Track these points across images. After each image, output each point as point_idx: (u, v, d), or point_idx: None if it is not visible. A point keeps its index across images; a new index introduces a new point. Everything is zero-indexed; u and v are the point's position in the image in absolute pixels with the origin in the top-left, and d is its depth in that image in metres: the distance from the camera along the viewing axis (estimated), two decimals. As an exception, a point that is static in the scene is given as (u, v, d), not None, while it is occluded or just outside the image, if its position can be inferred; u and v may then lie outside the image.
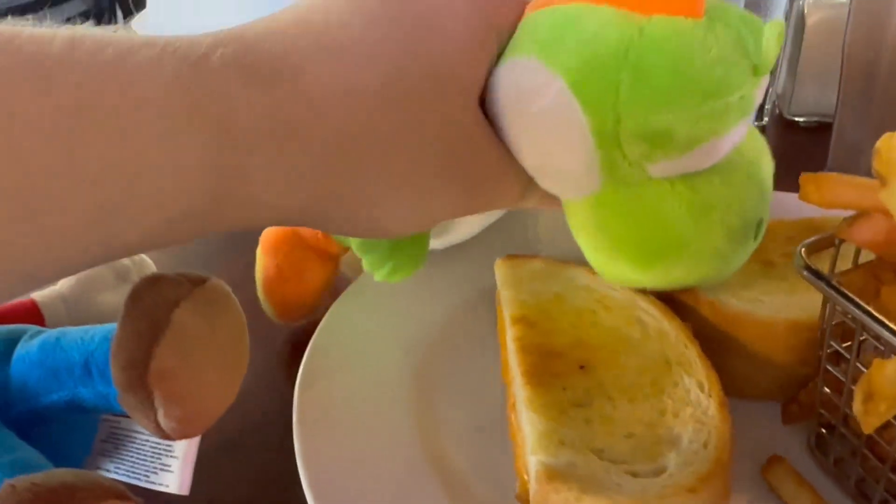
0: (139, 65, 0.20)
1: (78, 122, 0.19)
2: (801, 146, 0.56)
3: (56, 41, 0.20)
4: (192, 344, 0.28)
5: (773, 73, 0.55)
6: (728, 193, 0.27)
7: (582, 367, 0.31)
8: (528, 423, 0.29)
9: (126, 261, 0.42)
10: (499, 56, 0.27)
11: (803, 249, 0.27)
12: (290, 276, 0.40)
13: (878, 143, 0.22)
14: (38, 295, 0.40)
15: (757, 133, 0.31)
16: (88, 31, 0.21)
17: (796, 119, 0.57)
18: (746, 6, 0.42)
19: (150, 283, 0.29)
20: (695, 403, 0.30)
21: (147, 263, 0.42)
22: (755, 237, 0.29)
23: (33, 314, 0.39)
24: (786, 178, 0.53)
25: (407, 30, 0.25)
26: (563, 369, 0.31)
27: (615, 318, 0.34)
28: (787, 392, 0.32)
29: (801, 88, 0.55)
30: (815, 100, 0.56)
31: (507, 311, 0.34)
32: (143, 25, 0.68)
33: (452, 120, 0.25)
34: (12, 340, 0.33)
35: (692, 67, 0.24)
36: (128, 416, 0.32)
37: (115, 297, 0.41)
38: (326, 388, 0.34)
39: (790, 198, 0.36)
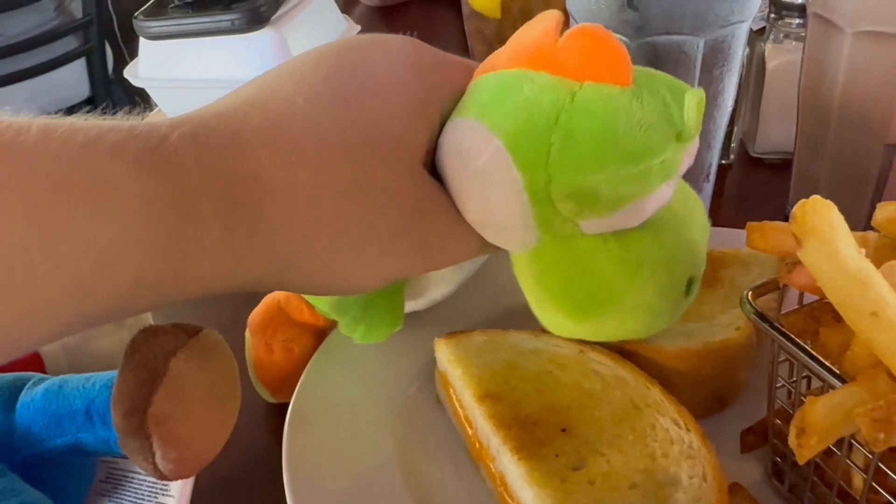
0: (105, 150, 0.22)
1: (52, 204, 0.21)
2: (765, 181, 0.59)
3: (32, 129, 0.22)
4: (188, 391, 0.30)
5: (735, 113, 0.57)
6: (658, 251, 0.29)
7: (564, 430, 0.32)
8: (536, 501, 0.29)
9: (122, 307, 0.44)
10: (448, 118, 0.29)
11: (750, 293, 0.30)
12: (279, 354, 0.41)
13: (795, 209, 0.24)
14: (38, 342, 0.42)
15: (691, 193, 0.32)
16: (61, 119, 0.23)
17: (761, 156, 0.60)
18: (708, 50, 0.45)
19: (148, 335, 0.31)
20: (678, 440, 0.31)
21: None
22: (687, 293, 0.31)
23: (34, 360, 0.41)
24: (753, 212, 0.56)
25: (348, 101, 0.27)
26: (546, 436, 0.32)
27: (572, 374, 0.35)
28: (706, 408, 0.35)
29: (764, 127, 0.58)
30: (777, 138, 0.58)
31: (465, 391, 0.34)
32: (134, 74, 0.70)
33: (397, 182, 0.27)
34: (17, 388, 0.35)
35: (616, 133, 0.25)
36: (126, 459, 0.34)
37: (113, 343, 0.43)
38: (313, 429, 0.36)
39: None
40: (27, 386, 0.35)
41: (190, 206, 0.23)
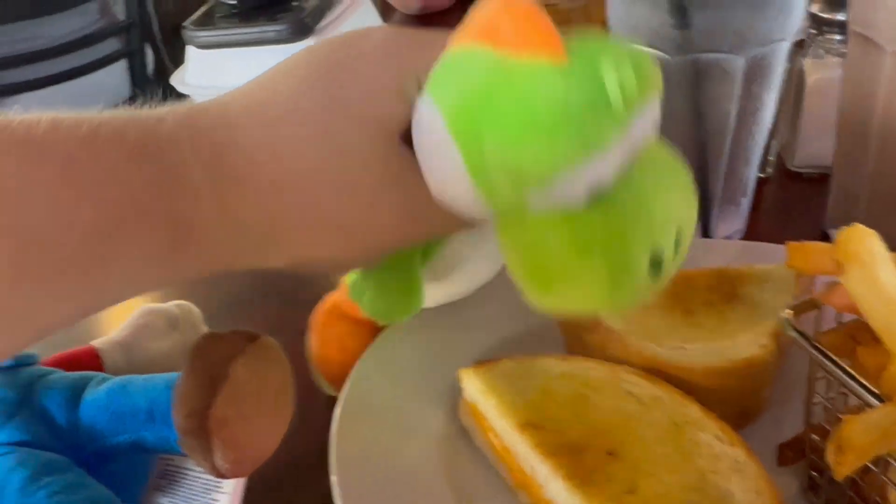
0: (106, 138, 0.25)
1: (62, 189, 0.24)
2: (803, 195, 0.59)
3: (42, 123, 0.24)
4: (247, 395, 0.32)
5: (773, 126, 0.58)
6: (608, 231, 0.28)
7: (611, 454, 0.32)
8: None
9: (176, 310, 0.46)
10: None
11: (790, 312, 0.31)
12: (334, 349, 0.42)
13: (837, 236, 0.25)
14: (97, 342, 0.44)
15: (668, 164, 0.32)
16: (68, 114, 0.26)
17: (799, 170, 0.60)
18: (749, 67, 0.45)
19: (210, 341, 0.33)
20: (723, 456, 0.32)
21: (195, 313, 0.46)
22: (657, 272, 0.29)
23: (93, 359, 0.43)
24: (790, 226, 0.56)
25: (327, 85, 0.28)
26: (595, 462, 0.32)
27: (607, 397, 0.35)
28: (732, 424, 0.35)
29: (802, 141, 0.59)
30: (815, 152, 0.59)
31: (502, 420, 0.34)
32: (181, 81, 0.72)
33: (375, 152, 0.28)
34: (81, 386, 0.37)
35: (534, 111, 0.26)
36: (182, 456, 0.36)
37: (167, 344, 0.44)
38: (360, 429, 0.37)
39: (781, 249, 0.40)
40: (90, 384, 0.37)
41: (184, 179, 0.26)
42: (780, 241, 0.53)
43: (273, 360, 0.33)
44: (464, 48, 0.28)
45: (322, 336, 0.42)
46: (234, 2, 0.68)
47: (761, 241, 0.51)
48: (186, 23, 0.66)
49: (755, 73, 0.45)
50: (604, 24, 0.62)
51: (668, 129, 0.48)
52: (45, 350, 0.41)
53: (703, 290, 0.40)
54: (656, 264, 0.29)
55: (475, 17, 0.28)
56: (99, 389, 0.36)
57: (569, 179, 0.27)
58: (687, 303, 0.40)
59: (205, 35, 0.65)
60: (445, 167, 0.28)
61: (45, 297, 0.24)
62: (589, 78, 0.25)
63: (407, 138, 0.29)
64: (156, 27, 2.12)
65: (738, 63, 0.44)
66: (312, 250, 0.30)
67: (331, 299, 0.43)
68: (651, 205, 0.29)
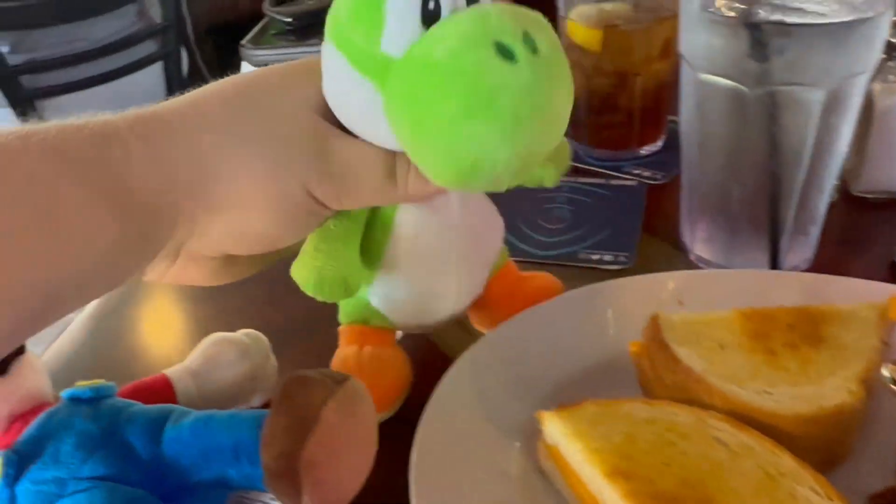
0: (69, 133, 0.30)
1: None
2: (869, 222, 0.58)
3: (11, 136, 0.29)
4: (337, 438, 0.32)
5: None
6: (449, 32, 0.31)
7: None
8: None
9: (246, 339, 0.45)
10: None
11: (890, 368, 0.30)
12: (369, 370, 0.42)
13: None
14: (170, 371, 0.44)
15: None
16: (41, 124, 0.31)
17: (864, 195, 0.59)
18: (827, 100, 0.44)
19: (300, 382, 0.33)
20: None
21: (264, 342, 0.46)
22: (509, 58, 0.30)
23: (166, 388, 0.43)
24: (857, 255, 0.56)
25: (248, 84, 0.35)
26: None
27: (696, 444, 0.34)
28: (822, 468, 0.34)
29: (869, 166, 0.58)
30: (883, 177, 0.58)
31: (588, 467, 0.34)
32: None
33: (293, 114, 0.33)
34: (162, 420, 0.37)
35: None
36: (260, 491, 0.36)
37: (237, 372, 0.44)
38: (439, 470, 0.37)
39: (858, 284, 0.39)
40: (171, 418, 0.37)
41: (114, 137, 0.31)
42: (848, 269, 0.53)
43: (360, 403, 0.33)
44: None
45: (358, 361, 0.42)
46: (289, 19, 0.68)
47: (830, 269, 0.51)
48: (244, 41, 0.66)
49: (834, 106, 0.44)
50: (667, 47, 0.61)
51: (741, 159, 0.47)
52: (122, 380, 0.42)
53: (785, 329, 0.40)
54: (504, 52, 0.30)
55: None
56: (181, 424, 0.36)
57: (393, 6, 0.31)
58: (769, 343, 0.39)
59: (262, 54, 0.65)
60: (329, 66, 0.34)
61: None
62: None
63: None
64: (189, 29, 2.14)
65: (817, 96, 0.43)
66: (242, 214, 0.33)
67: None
68: (485, 10, 0.31)
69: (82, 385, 0.38)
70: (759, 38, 0.41)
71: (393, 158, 0.35)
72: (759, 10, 0.42)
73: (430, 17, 0.31)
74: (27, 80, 1.71)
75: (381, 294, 0.43)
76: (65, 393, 0.38)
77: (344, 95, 0.34)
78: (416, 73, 0.31)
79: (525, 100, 0.30)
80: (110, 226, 0.30)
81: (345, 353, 0.43)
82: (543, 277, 0.48)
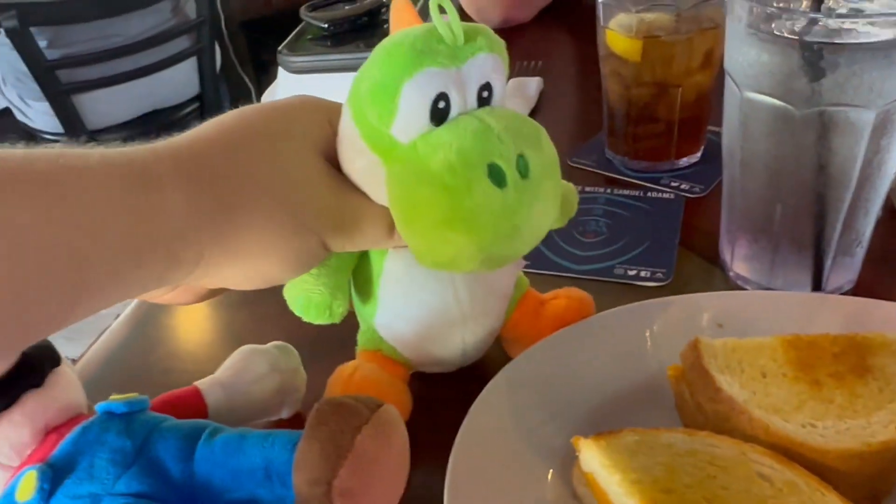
0: (114, 168, 0.30)
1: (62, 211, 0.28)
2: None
3: (45, 157, 0.29)
4: (370, 465, 0.32)
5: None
6: (451, 139, 0.33)
7: None
8: None
9: (276, 352, 0.45)
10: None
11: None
12: (357, 387, 0.42)
13: None
14: (201, 383, 0.44)
15: (520, 118, 0.36)
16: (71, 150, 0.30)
17: (911, 213, 0.57)
18: (877, 120, 0.42)
19: (334, 408, 0.32)
20: None
21: (294, 354, 0.46)
22: (499, 183, 0.33)
23: (198, 399, 0.43)
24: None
25: (268, 122, 0.36)
26: None
27: (737, 479, 0.33)
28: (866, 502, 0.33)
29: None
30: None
31: (627, 499, 0.33)
32: (273, 96, 0.73)
33: (309, 165, 0.35)
34: (194, 437, 0.37)
35: (385, 44, 0.34)
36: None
37: (268, 385, 0.44)
38: (472, 492, 0.36)
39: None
40: (203, 436, 0.37)
41: (154, 182, 0.31)
42: (893, 291, 0.51)
43: (394, 430, 0.33)
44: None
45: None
46: (325, 25, 0.68)
47: (874, 291, 0.49)
48: (281, 48, 0.66)
49: (884, 127, 0.43)
50: (709, 58, 0.60)
51: (785, 178, 0.46)
52: (155, 388, 0.42)
53: (830, 359, 0.38)
54: (496, 176, 0.33)
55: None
56: (213, 442, 0.36)
57: (411, 90, 0.33)
58: (814, 373, 0.38)
59: (300, 61, 0.65)
60: (344, 132, 0.36)
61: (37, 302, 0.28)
62: (429, 27, 0.34)
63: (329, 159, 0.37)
64: (223, 25, 2.15)
65: (868, 117, 0.42)
66: (264, 257, 0.35)
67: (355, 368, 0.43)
68: (492, 126, 0.34)
69: (116, 399, 0.38)
70: (811, 57, 0.40)
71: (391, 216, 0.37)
72: (811, 29, 0.40)
73: (438, 114, 0.34)
74: (64, 75, 1.73)
75: (385, 325, 0.43)
76: (99, 406, 0.38)
77: (354, 158, 0.36)
78: (413, 172, 0.34)
79: (505, 221, 0.34)
80: (133, 272, 0.31)
81: (342, 367, 0.44)
82: (567, 296, 0.47)
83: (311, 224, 0.35)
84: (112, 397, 0.39)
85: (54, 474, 0.35)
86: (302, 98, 0.38)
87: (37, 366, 0.38)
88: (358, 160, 0.36)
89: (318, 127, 0.36)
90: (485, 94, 0.35)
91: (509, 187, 0.33)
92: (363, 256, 0.42)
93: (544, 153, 0.36)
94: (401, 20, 0.37)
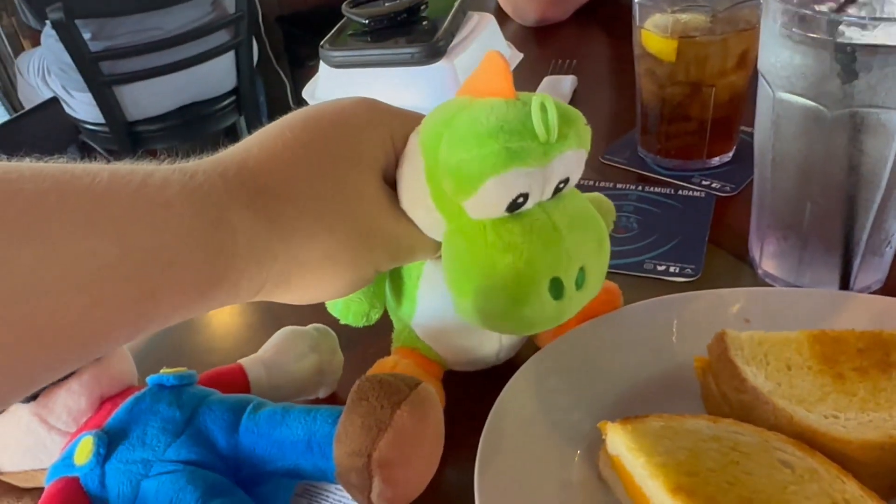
0: (156, 186, 0.29)
1: (127, 226, 0.28)
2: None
3: (103, 175, 0.28)
4: (408, 439, 0.33)
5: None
6: (522, 241, 0.34)
7: None
8: None
9: (315, 333, 0.47)
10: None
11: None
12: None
13: None
14: (244, 360, 0.46)
15: (588, 214, 0.37)
16: (121, 165, 0.29)
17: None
18: None
19: (374, 385, 0.34)
20: None
21: (332, 336, 0.48)
22: (558, 296, 0.35)
23: (241, 376, 0.45)
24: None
25: (327, 138, 0.35)
26: None
27: (759, 465, 0.34)
28: (886, 494, 0.34)
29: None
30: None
31: (651, 481, 0.34)
32: (311, 94, 0.74)
33: (366, 186, 0.35)
34: (238, 410, 0.39)
35: (479, 123, 0.33)
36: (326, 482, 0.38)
37: (305, 364, 0.46)
38: (501, 473, 0.38)
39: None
40: (248, 410, 0.39)
41: (224, 221, 0.30)
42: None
43: (431, 407, 0.35)
44: (450, 99, 0.37)
45: None
46: (366, 21, 0.70)
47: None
48: (323, 42, 0.67)
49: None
50: (743, 59, 0.61)
51: (816, 178, 0.47)
52: (199, 367, 0.44)
53: (855, 354, 0.39)
54: (557, 289, 0.35)
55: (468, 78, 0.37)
56: (258, 416, 0.38)
57: (496, 186, 0.33)
58: (838, 367, 0.39)
59: (341, 55, 0.67)
60: (413, 177, 0.36)
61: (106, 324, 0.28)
62: (524, 110, 0.34)
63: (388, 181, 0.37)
64: (260, 20, 2.18)
65: (899, 118, 0.43)
66: (319, 278, 0.34)
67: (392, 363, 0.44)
68: (562, 235, 0.35)
69: (167, 372, 0.41)
70: (844, 59, 0.41)
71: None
72: (845, 32, 0.41)
73: (514, 207, 0.35)
74: (106, 67, 1.77)
75: (422, 326, 0.44)
76: (150, 379, 0.40)
77: (416, 205, 0.36)
78: (477, 256, 0.35)
79: (552, 324, 0.37)
80: (196, 303, 0.31)
81: (382, 361, 0.45)
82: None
83: (370, 258, 0.35)
84: (162, 370, 0.41)
85: (109, 440, 0.37)
86: (365, 106, 0.37)
87: (93, 339, 0.40)
88: (420, 209, 0.36)
89: (381, 149, 0.36)
90: (561, 185, 0.36)
91: (565, 299, 0.35)
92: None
93: (602, 258, 0.37)
94: (490, 81, 0.35)
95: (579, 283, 0.36)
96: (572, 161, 0.35)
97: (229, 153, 0.33)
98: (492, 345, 0.44)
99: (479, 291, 0.35)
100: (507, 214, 0.35)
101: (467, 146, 0.33)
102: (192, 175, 0.30)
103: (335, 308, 0.43)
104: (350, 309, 0.43)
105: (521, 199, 0.34)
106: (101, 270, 0.26)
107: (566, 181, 0.36)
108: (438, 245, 0.37)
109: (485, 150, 0.33)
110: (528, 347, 0.48)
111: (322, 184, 0.33)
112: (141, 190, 0.28)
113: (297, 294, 0.35)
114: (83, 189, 0.27)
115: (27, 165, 0.27)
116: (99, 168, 0.28)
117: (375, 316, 0.43)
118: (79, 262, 0.26)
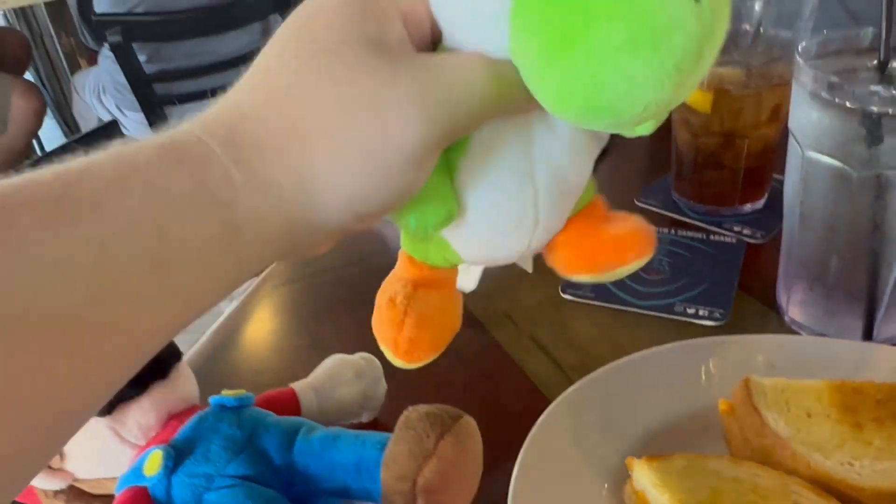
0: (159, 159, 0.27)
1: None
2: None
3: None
4: (450, 467, 0.36)
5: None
6: None
7: None
8: None
9: (361, 362, 0.51)
10: None
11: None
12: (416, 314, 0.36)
13: None
14: (296, 385, 0.49)
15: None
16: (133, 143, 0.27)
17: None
18: None
19: (421, 415, 0.37)
20: None
21: (377, 365, 0.51)
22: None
23: (293, 400, 0.48)
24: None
25: (299, 27, 0.29)
26: None
27: None
28: None
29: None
30: None
31: None
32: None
33: (360, 63, 0.27)
34: (293, 432, 0.42)
35: None
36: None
37: (353, 392, 0.49)
38: (533, 497, 0.40)
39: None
40: (301, 431, 0.42)
41: (213, 167, 0.27)
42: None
43: (471, 439, 0.38)
44: None
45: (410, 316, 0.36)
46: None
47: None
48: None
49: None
50: (777, 112, 0.63)
51: (841, 233, 0.49)
52: (247, 389, 0.47)
53: (873, 405, 0.42)
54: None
55: None
56: (311, 437, 0.41)
57: None
58: (857, 416, 0.41)
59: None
60: None
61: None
62: None
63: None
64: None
65: (924, 181, 0.45)
66: (348, 178, 0.28)
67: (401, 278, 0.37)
68: None
69: (227, 394, 0.44)
70: (870, 125, 0.44)
71: (496, 67, 0.28)
72: (872, 98, 0.44)
73: None
74: (160, 88, 1.85)
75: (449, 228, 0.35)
76: (213, 399, 0.44)
77: None
78: None
79: (694, 47, 0.25)
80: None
81: (394, 290, 0.36)
82: (630, 224, 0.39)
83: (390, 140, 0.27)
84: (224, 392, 0.44)
85: (176, 455, 0.41)
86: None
87: (163, 359, 0.44)
88: None
89: (361, 15, 0.28)
90: None
91: (704, 4, 0.25)
92: None
93: None
94: None
95: None
96: None
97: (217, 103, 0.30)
98: (520, 248, 0.36)
99: (589, 25, 0.25)
100: None
101: None
102: (172, 137, 0.28)
103: (408, 223, 0.32)
104: (429, 208, 0.32)
105: None
106: (106, 251, 0.24)
107: None
108: (495, 69, 0.28)
109: None
110: (553, 364, 0.50)
111: (309, 71, 0.28)
112: (157, 150, 0.27)
113: (334, 200, 0.28)
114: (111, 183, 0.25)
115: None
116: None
117: (450, 210, 0.32)
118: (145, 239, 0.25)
